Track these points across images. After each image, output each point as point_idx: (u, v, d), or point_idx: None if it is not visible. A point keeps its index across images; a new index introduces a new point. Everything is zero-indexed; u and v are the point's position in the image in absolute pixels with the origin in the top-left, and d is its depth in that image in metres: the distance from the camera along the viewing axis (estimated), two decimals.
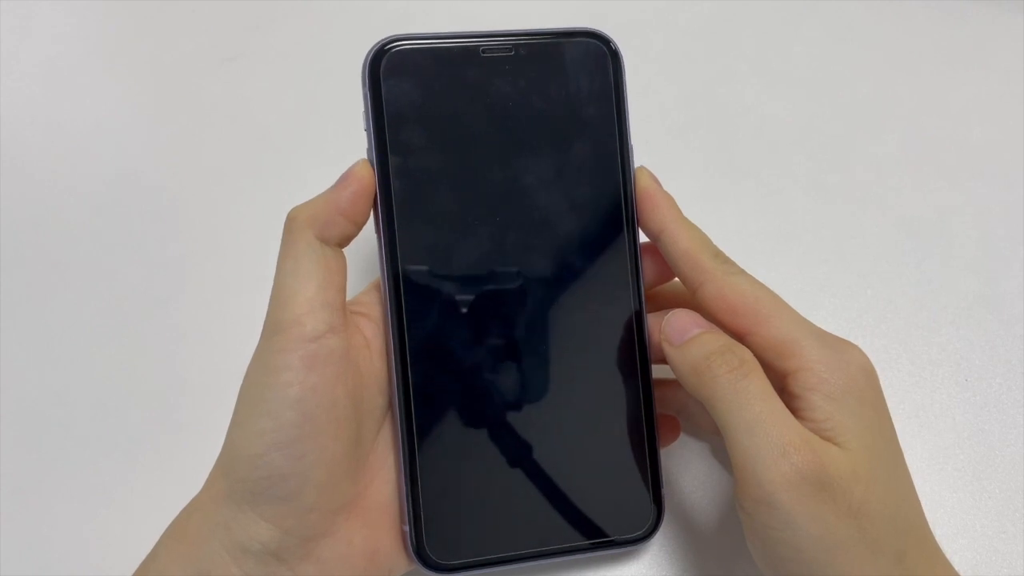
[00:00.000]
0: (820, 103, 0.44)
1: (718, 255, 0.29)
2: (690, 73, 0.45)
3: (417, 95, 0.28)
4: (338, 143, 0.42)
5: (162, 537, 0.27)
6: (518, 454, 0.29)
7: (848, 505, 0.25)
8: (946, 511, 0.35)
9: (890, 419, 0.28)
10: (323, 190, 0.28)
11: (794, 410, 0.27)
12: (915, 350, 0.38)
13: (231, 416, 0.27)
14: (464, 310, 0.29)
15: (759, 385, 0.26)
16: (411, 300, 0.28)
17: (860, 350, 0.28)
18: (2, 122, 0.43)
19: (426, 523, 0.28)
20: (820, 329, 0.28)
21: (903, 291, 0.39)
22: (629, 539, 0.30)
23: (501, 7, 0.45)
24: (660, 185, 0.30)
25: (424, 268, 0.28)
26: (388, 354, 0.29)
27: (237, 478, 0.26)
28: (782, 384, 0.27)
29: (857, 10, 0.46)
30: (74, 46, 0.46)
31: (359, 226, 0.28)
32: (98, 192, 0.41)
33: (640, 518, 0.30)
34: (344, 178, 0.28)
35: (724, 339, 0.28)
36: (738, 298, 0.28)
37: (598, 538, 0.30)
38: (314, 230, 0.27)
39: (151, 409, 0.36)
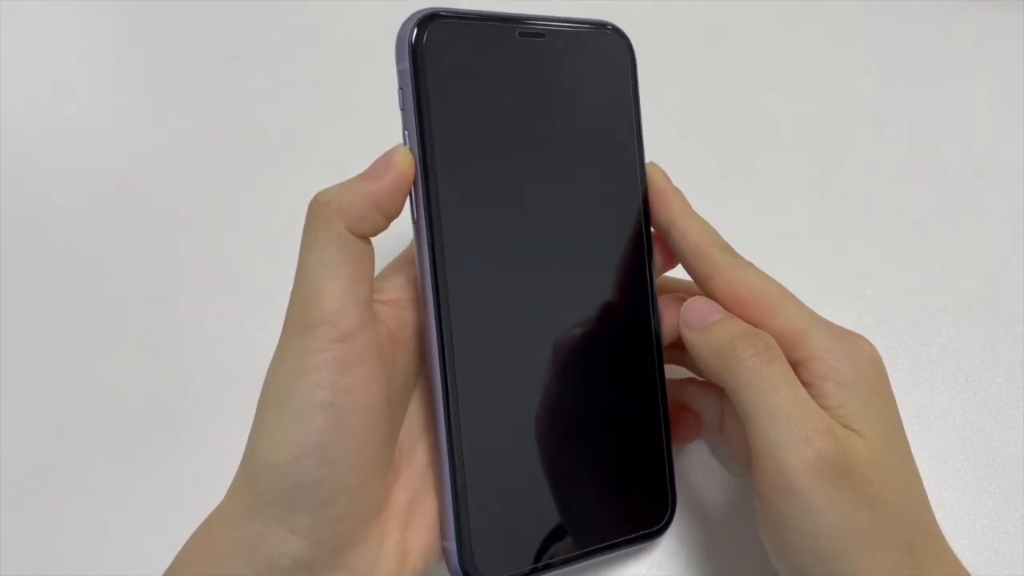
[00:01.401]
0: (820, 103, 0.44)
1: (726, 249, 0.29)
2: (690, 74, 0.45)
3: (458, 73, 0.26)
4: (341, 141, 0.42)
5: (180, 554, 0.25)
6: (557, 456, 0.28)
7: (866, 493, 0.25)
8: (946, 511, 0.34)
9: (898, 409, 0.28)
10: (335, 183, 0.26)
11: None
12: (915, 350, 0.38)
13: (252, 423, 0.25)
14: (512, 306, 0.27)
15: (784, 371, 0.26)
16: (457, 296, 0.26)
17: (868, 341, 0.28)
18: (2, 122, 0.43)
19: (474, 539, 0.26)
20: (828, 321, 0.28)
21: (903, 291, 0.39)
22: (653, 531, 0.30)
23: (500, 5, 0.45)
24: (670, 180, 0.30)
25: (470, 257, 0.27)
26: (429, 363, 0.27)
27: (264, 489, 0.24)
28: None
29: (857, 10, 0.46)
30: (74, 46, 0.46)
31: (390, 220, 0.26)
32: (100, 191, 0.41)
33: (659, 509, 0.30)
34: (382, 168, 0.26)
35: (746, 325, 0.28)
36: (747, 290, 0.28)
37: (627, 534, 0.29)
38: (345, 221, 0.25)
39: (153, 409, 0.36)
